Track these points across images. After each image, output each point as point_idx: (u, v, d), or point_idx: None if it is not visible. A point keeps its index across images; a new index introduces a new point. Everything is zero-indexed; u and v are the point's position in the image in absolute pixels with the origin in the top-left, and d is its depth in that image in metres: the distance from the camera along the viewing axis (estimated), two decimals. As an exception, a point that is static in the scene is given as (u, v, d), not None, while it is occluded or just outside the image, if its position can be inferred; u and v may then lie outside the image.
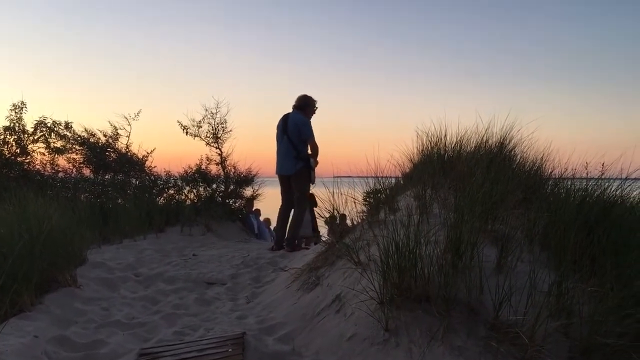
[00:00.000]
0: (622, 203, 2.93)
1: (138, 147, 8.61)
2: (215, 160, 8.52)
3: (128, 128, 8.51)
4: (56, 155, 8.06)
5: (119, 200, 7.28)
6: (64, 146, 8.12)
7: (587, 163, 3.22)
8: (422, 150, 4.41)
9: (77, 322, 2.95)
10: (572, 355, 2.01)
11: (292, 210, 5.60)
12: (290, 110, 5.56)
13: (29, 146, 7.84)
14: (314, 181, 5.53)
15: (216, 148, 8.48)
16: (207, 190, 8.38)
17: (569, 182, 3.13)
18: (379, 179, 3.83)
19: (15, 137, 7.70)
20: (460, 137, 4.22)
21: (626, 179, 2.94)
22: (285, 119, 5.52)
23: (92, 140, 8.30)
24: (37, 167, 7.87)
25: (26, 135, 7.79)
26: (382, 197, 3.86)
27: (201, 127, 8.28)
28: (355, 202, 3.69)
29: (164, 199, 8.09)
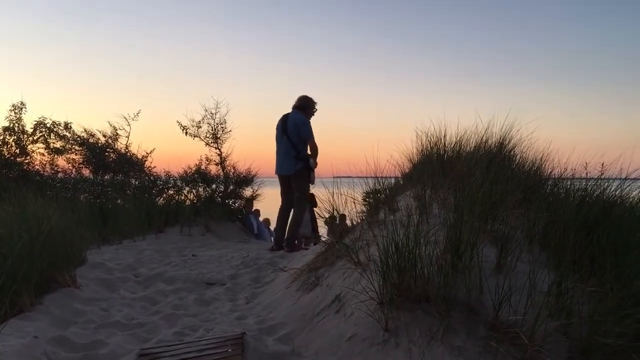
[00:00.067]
0: (621, 203, 2.93)
1: (137, 147, 8.63)
2: (214, 161, 8.53)
3: (127, 128, 8.53)
4: (56, 156, 8.06)
5: (119, 201, 7.29)
6: (63, 146, 8.13)
7: (586, 163, 3.22)
8: (422, 150, 4.41)
9: (76, 323, 2.95)
10: (571, 355, 2.01)
11: (292, 210, 5.59)
12: (290, 110, 5.55)
13: (29, 146, 7.84)
14: (314, 181, 5.52)
15: (216, 148, 8.49)
16: (207, 191, 8.38)
17: (569, 182, 3.13)
18: (379, 179, 3.83)
19: (15, 137, 7.71)
20: (460, 137, 4.22)
21: (626, 179, 2.94)
22: (284, 119, 5.50)
23: (91, 140, 8.30)
24: (37, 167, 7.89)
25: (26, 136, 7.80)
26: (381, 197, 3.86)
27: (201, 127, 8.30)
28: (354, 202, 3.69)
29: (163, 200, 8.09)
